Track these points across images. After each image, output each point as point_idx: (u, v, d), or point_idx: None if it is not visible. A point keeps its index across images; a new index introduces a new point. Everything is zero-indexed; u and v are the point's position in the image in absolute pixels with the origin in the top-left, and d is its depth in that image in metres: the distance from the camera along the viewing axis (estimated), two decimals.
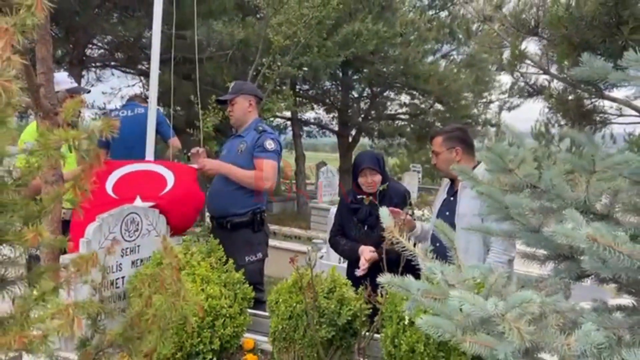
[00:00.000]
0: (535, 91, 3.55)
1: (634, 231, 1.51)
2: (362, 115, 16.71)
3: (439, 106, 15.93)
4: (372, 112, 16.78)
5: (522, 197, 1.66)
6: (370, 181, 3.59)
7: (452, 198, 3.46)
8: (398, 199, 3.55)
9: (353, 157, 17.91)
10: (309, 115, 17.61)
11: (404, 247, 1.57)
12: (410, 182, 15.40)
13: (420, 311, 2.44)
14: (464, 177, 1.69)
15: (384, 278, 1.51)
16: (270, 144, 3.96)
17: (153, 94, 4.35)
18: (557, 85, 3.56)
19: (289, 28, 6.11)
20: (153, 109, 4.35)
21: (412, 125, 16.57)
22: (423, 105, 16.34)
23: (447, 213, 3.43)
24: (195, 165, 4.02)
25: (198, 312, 1.38)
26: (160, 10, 4.33)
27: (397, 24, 11.63)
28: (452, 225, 3.32)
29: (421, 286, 1.50)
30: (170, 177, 3.84)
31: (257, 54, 6.62)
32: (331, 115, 17.51)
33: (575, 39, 2.50)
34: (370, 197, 3.13)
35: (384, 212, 1.67)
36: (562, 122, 17.53)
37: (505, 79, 17.96)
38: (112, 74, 14.48)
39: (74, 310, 1.06)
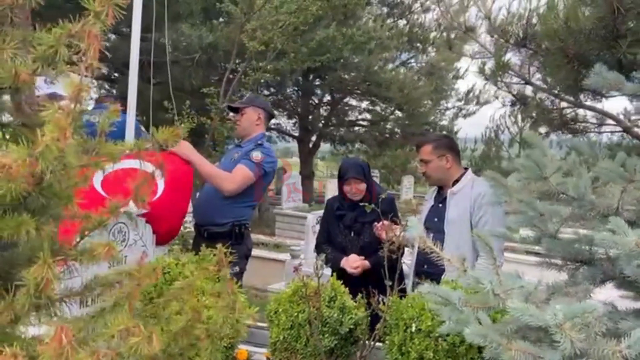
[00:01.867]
0: (518, 101, 3.66)
1: None
2: (323, 121, 16.79)
3: (399, 113, 16.18)
4: (333, 118, 16.90)
5: (550, 204, 1.69)
6: (355, 190, 3.65)
7: (440, 205, 3.49)
8: (386, 206, 3.55)
9: (313, 162, 18.03)
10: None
11: (438, 256, 1.58)
12: None
13: (428, 318, 2.48)
14: (496, 185, 1.72)
15: (423, 287, 1.50)
16: (256, 156, 3.86)
17: (132, 100, 4.21)
18: (540, 95, 3.70)
19: (264, 34, 6.09)
20: (132, 117, 4.21)
21: (372, 132, 16.76)
22: (383, 112, 16.55)
23: (436, 219, 3.46)
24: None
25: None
26: (140, 13, 4.21)
27: (371, 30, 11.76)
28: (441, 231, 3.34)
29: (462, 296, 1.51)
30: (160, 181, 3.66)
31: (231, 59, 6.55)
32: (292, 121, 17.52)
33: (571, 51, 2.61)
34: (372, 205, 3.14)
35: (413, 221, 1.67)
36: (512, 130, 18.03)
37: (462, 86, 18.49)
38: (68, 76, 14.02)
39: (144, 326, 1.01)
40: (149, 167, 3.54)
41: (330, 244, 3.80)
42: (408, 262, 3.78)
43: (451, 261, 1.62)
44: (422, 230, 1.68)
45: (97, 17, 0.99)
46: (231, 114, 4.83)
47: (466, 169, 3.55)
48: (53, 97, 4.00)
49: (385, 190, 3.64)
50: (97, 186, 3.34)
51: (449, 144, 3.52)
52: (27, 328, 1.00)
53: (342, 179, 3.72)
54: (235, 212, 3.94)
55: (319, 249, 3.87)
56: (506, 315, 1.57)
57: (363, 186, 3.64)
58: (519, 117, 17.22)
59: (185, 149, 3.71)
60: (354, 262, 3.60)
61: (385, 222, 3.02)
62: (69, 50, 1.02)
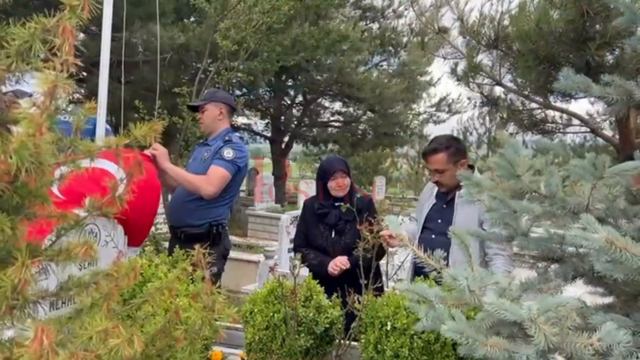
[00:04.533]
0: (489, 102, 3.73)
1: (632, 234, 1.60)
2: (296, 122, 16.80)
3: (371, 114, 16.29)
4: (306, 119, 16.91)
5: (522, 202, 1.73)
6: (342, 184, 3.56)
7: (444, 206, 3.38)
8: (364, 205, 3.52)
9: (286, 162, 18.00)
10: (241, 120, 17.49)
11: (416, 255, 1.59)
12: None
13: (403, 316, 2.51)
14: (468, 184, 1.74)
15: (401, 285, 1.52)
16: (228, 153, 3.78)
17: (102, 100, 4.13)
18: (510, 96, 3.78)
19: (237, 33, 6.04)
20: (102, 117, 4.13)
21: (345, 133, 16.85)
22: (356, 113, 16.65)
23: (440, 221, 3.33)
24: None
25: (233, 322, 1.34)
26: (110, 11, 4.14)
27: (343, 30, 11.81)
28: (446, 234, 3.23)
29: (439, 293, 1.53)
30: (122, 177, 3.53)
31: (204, 59, 6.50)
32: (265, 122, 17.48)
33: (542, 52, 2.66)
34: (348, 205, 3.14)
35: (391, 220, 1.68)
36: (480, 131, 18.41)
37: (434, 93, 18.82)
38: (32, 77, 13.71)
39: (125, 327, 1.00)
40: (113, 168, 3.45)
41: (309, 247, 3.67)
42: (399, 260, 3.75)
43: (428, 260, 1.64)
44: (400, 228, 1.70)
45: (73, 11, 0.96)
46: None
47: (471, 166, 3.39)
48: (19, 94, 3.89)
49: (363, 196, 3.58)
50: (55, 189, 3.24)
51: (460, 148, 3.38)
52: (2, 331, 0.98)
53: (326, 176, 3.61)
54: (212, 213, 3.88)
55: (298, 252, 3.75)
56: (480, 312, 1.60)
57: (348, 180, 3.59)
58: (487, 118, 17.66)
59: (161, 157, 3.61)
60: (340, 263, 3.46)
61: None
62: (44, 47, 1.00)
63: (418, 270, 3.32)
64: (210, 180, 3.73)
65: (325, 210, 3.62)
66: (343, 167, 3.59)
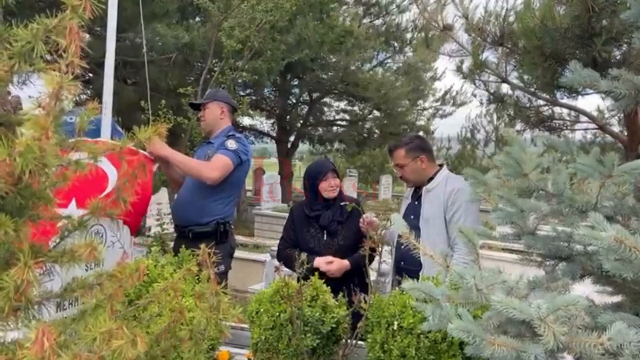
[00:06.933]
0: (495, 99, 3.72)
1: None
2: (301, 121, 16.80)
3: (377, 113, 16.26)
4: (311, 118, 16.91)
5: (531, 201, 1.71)
6: (333, 184, 3.57)
7: (416, 202, 3.50)
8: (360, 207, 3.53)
9: (292, 162, 18.02)
10: (247, 120, 17.52)
11: (420, 252, 1.58)
12: (348, 187, 15.60)
13: (410, 316, 2.49)
14: (475, 183, 1.73)
15: (406, 284, 1.51)
16: (232, 144, 3.80)
17: (108, 100, 4.13)
18: (517, 93, 3.77)
19: (241, 32, 6.04)
20: (108, 117, 4.13)
21: (350, 131, 16.83)
22: (361, 112, 16.63)
23: (412, 217, 3.47)
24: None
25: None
26: (115, 11, 4.14)
27: (347, 27, 11.80)
28: (417, 228, 3.35)
29: (445, 292, 1.51)
30: (112, 175, 3.46)
31: (209, 58, 6.49)
32: (270, 121, 17.49)
33: (547, 49, 2.65)
34: (353, 204, 3.13)
35: (396, 218, 1.67)
36: (488, 129, 18.37)
37: (439, 87, 18.77)
38: (39, 77, 13.76)
39: (129, 328, 0.99)
40: (104, 164, 3.37)
41: (298, 249, 3.51)
42: (388, 260, 3.78)
43: (434, 257, 1.62)
44: (405, 227, 1.69)
45: (75, 11, 0.96)
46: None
47: (441, 165, 3.55)
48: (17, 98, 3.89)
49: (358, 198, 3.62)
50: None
51: (421, 145, 3.51)
52: (6, 332, 0.98)
53: (317, 177, 3.61)
54: (218, 210, 3.89)
55: (283, 255, 3.66)
56: (487, 311, 1.58)
57: (338, 181, 3.62)
58: (494, 116, 17.58)
59: (158, 145, 3.55)
60: (327, 261, 3.43)
61: (374, 219, 2.98)
62: (47, 48, 1.00)
63: (400, 271, 3.39)
64: (215, 166, 3.72)
65: (318, 212, 3.61)
66: (333, 168, 3.63)
